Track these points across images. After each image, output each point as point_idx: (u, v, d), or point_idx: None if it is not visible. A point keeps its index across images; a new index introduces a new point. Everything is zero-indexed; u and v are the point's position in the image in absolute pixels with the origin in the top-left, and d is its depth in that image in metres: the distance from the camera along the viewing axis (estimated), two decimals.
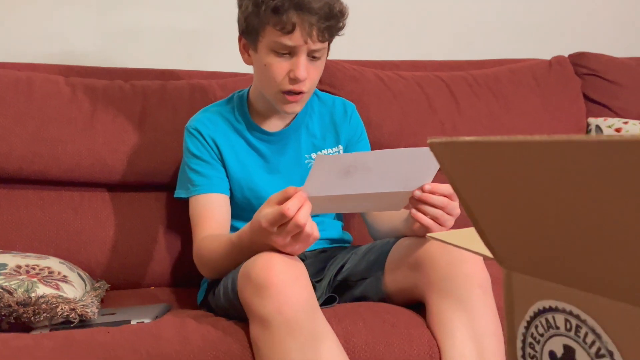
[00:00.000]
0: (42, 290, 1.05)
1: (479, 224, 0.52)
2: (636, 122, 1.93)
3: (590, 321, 0.44)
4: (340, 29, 1.25)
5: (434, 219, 1.06)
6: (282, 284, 0.93)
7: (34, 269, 1.14)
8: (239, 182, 1.32)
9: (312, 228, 0.96)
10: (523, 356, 0.52)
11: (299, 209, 0.93)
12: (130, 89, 1.54)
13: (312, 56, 1.22)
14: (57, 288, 1.08)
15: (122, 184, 1.48)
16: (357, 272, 1.21)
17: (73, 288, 1.13)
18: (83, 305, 1.05)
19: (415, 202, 1.07)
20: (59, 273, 1.16)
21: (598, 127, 1.95)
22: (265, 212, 0.96)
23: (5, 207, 1.41)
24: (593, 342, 0.44)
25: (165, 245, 1.49)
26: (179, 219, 1.47)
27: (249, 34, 1.24)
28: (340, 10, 1.22)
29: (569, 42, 2.19)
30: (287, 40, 1.18)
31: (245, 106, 1.36)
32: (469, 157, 0.49)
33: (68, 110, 1.45)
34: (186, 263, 1.42)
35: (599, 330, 0.43)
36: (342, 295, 1.20)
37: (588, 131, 1.97)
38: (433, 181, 1.05)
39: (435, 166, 1.02)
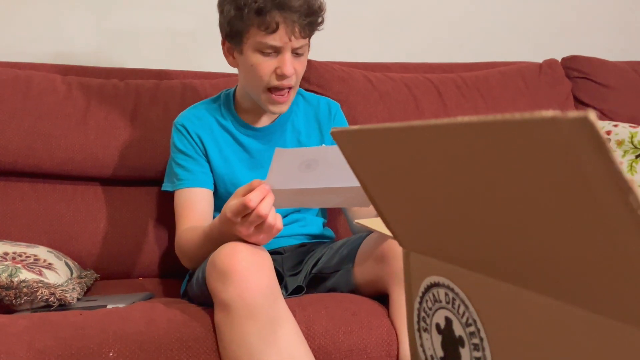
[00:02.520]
0: (24, 275, 1.11)
1: (378, 207, 0.56)
2: (626, 125, 1.94)
3: (462, 294, 0.48)
4: (320, 24, 1.30)
5: None
6: (244, 271, 0.97)
7: (20, 256, 1.20)
8: (222, 177, 1.37)
9: (274, 219, 1.01)
10: (419, 329, 0.56)
11: (262, 200, 0.98)
12: (124, 87, 1.61)
13: (295, 52, 1.27)
14: (40, 274, 1.14)
15: (114, 178, 1.55)
16: (331, 266, 1.25)
17: (56, 275, 1.19)
18: (63, 290, 1.11)
19: None
20: (45, 260, 1.22)
21: None
22: (231, 204, 1.01)
23: (2, 198, 1.48)
24: (464, 313, 0.48)
25: (154, 238, 1.55)
26: (168, 212, 1.52)
27: (233, 37, 1.29)
28: (319, 6, 1.27)
29: (567, 46, 2.21)
30: (272, 40, 1.23)
31: (232, 103, 1.42)
32: (364, 144, 0.53)
33: (63, 107, 1.52)
34: (174, 255, 1.46)
35: (467, 301, 0.48)
36: (315, 288, 1.25)
37: None
38: None
39: None
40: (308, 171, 0.99)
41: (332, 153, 1.01)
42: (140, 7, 1.88)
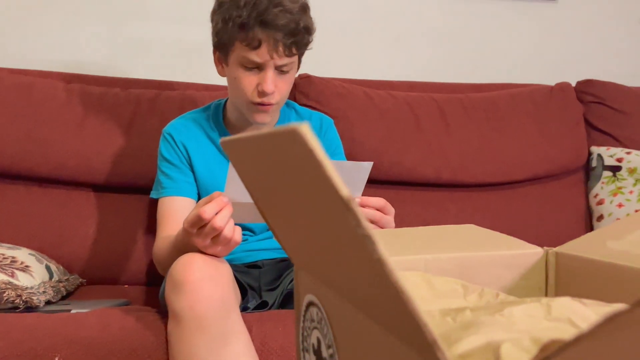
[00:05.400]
0: None
1: (267, 220, 0.55)
2: (639, 152, 1.88)
3: (325, 313, 0.47)
4: (307, 44, 1.29)
5: None
6: (197, 282, 0.97)
7: None
8: (206, 187, 1.37)
9: (232, 232, 1.00)
10: (302, 349, 0.54)
11: (218, 212, 0.98)
12: (124, 96, 1.63)
13: (279, 70, 1.27)
14: (12, 275, 1.16)
15: (106, 185, 1.57)
16: None
17: (30, 277, 1.20)
18: (30, 293, 1.12)
19: None
20: (22, 263, 1.24)
21: (600, 156, 1.91)
22: (189, 214, 1.01)
23: None
24: (327, 334, 0.47)
25: (143, 246, 1.56)
26: None
27: (221, 48, 1.30)
28: (305, 26, 1.25)
29: (586, 70, 2.15)
30: (254, 56, 1.23)
31: (221, 116, 1.42)
32: (247, 154, 0.52)
33: (61, 113, 1.55)
34: None
35: (328, 321, 0.46)
36: (290, 303, 1.24)
37: (590, 160, 1.94)
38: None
39: (363, 179, 1.04)
40: None
41: None
42: (151, 19, 1.91)
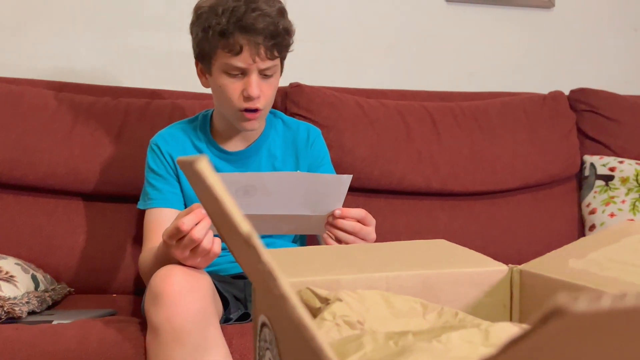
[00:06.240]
0: None
1: (225, 240, 0.55)
2: (632, 161, 1.87)
3: (274, 335, 0.46)
4: (288, 46, 1.30)
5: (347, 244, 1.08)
6: (175, 294, 0.97)
7: None
8: (192, 198, 1.37)
9: (210, 243, 1.00)
10: None
11: (197, 224, 0.98)
12: (114, 105, 1.63)
13: (263, 74, 1.27)
14: None
15: (95, 193, 1.57)
16: None
17: (14, 287, 1.21)
18: (12, 303, 1.12)
19: (329, 227, 1.09)
20: (7, 273, 1.24)
21: (592, 165, 1.90)
22: (168, 226, 1.01)
23: None
24: (275, 355, 0.46)
25: (131, 255, 1.56)
26: None
27: (203, 59, 1.30)
28: (285, 28, 1.26)
29: (583, 78, 2.14)
30: (237, 62, 1.24)
31: (208, 125, 1.42)
32: (193, 176, 0.52)
33: (50, 122, 1.55)
34: None
35: (276, 343, 0.46)
36: None
37: (582, 169, 1.93)
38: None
39: (343, 191, 1.04)
40: (245, 197, 0.98)
41: (270, 180, 1.00)
42: (141, 28, 1.91)
